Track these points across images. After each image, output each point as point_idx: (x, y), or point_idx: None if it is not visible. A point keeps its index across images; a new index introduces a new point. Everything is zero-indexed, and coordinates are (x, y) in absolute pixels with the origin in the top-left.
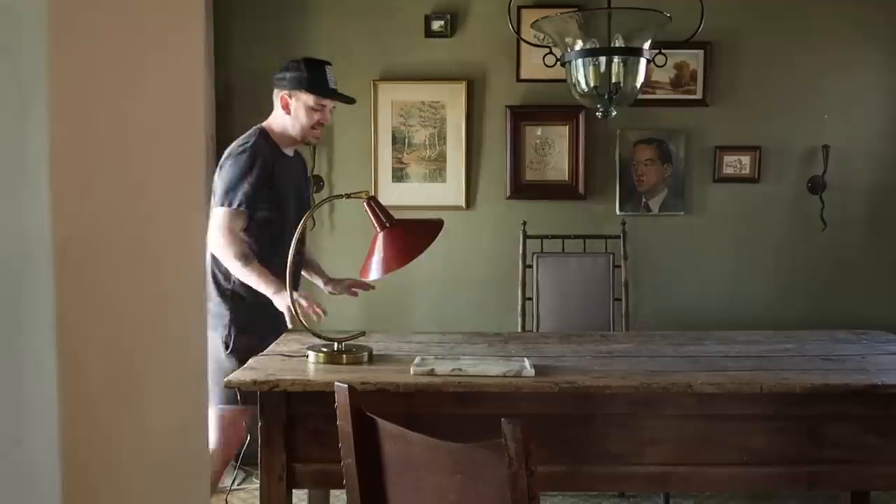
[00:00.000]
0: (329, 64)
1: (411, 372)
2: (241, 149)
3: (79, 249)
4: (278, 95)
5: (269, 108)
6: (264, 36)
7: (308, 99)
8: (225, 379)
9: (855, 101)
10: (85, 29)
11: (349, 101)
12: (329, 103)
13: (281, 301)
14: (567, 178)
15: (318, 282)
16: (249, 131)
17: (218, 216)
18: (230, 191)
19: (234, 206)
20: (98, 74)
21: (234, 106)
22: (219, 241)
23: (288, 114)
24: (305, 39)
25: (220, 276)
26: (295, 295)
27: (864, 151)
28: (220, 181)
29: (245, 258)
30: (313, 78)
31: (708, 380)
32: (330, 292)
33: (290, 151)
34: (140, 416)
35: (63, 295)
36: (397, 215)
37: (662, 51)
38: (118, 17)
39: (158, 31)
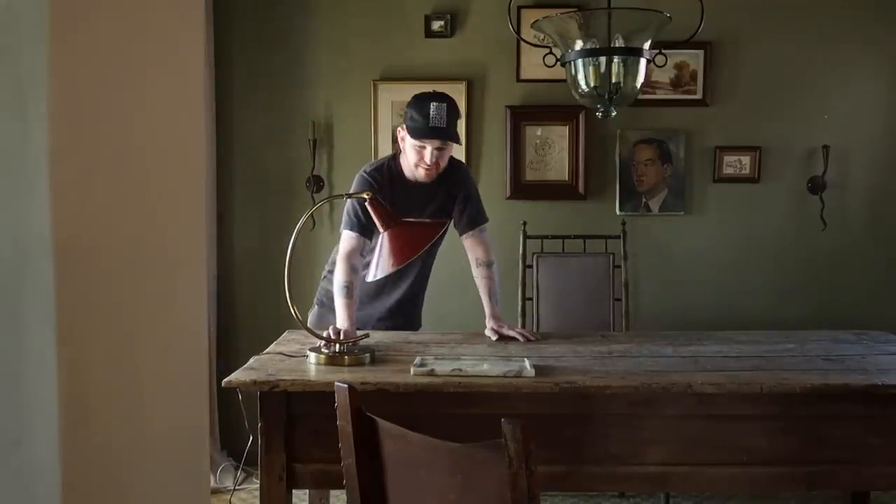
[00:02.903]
0: (441, 99)
1: (411, 372)
2: (360, 174)
3: (79, 249)
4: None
5: (268, 108)
6: (264, 36)
7: (408, 137)
8: (225, 379)
9: (855, 101)
10: (85, 29)
11: (447, 138)
12: (429, 144)
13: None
14: (567, 178)
15: (486, 310)
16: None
17: (342, 239)
18: (346, 215)
19: (346, 229)
20: (98, 74)
21: (234, 106)
22: (336, 264)
23: (404, 148)
24: (305, 39)
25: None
26: (340, 326)
27: (864, 151)
28: None
29: (343, 289)
30: (414, 115)
31: (708, 380)
32: (493, 329)
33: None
34: (140, 416)
35: (63, 295)
36: None
37: (662, 51)
38: (118, 18)
39: (158, 31)
